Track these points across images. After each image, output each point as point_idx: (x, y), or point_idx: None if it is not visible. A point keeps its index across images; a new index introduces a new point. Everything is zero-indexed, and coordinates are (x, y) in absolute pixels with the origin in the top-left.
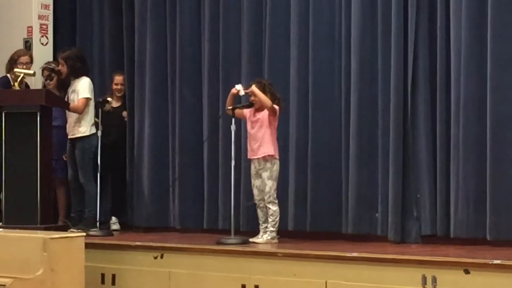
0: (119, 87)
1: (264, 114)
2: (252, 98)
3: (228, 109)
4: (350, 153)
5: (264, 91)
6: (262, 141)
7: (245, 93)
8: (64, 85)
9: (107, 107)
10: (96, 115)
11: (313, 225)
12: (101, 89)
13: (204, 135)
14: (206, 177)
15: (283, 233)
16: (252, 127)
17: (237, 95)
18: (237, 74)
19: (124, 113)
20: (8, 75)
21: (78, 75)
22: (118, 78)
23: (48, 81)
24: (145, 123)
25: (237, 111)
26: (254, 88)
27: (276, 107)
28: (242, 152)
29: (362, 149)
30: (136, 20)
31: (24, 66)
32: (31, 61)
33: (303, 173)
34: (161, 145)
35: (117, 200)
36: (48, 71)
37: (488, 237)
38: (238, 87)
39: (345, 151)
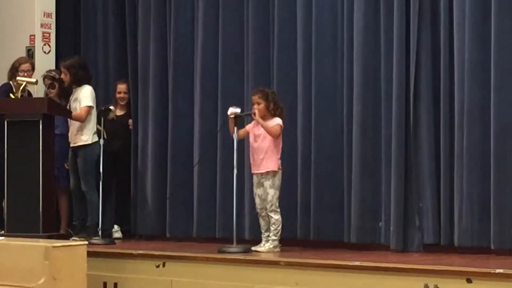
0: (122, 95)
1: (268, 124)
2: (255, 106)
3: (230, 117)
4: (353, 162)
5: (267, 100)
6: (266, 154)
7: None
8: (66, 93)
9: (111, 115)
10: (99, 123)
11: (316, 234)
12: (105, 98)
13: (202, 143)
14: (204, 186)
15: (290, 242)
16: (255, 141)
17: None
18: (237, 82)
19: (130, 122)
20: (11, 82)
21: (80, 84)
22: (121, 87)
23: (50, 89)
24: (148, 132)
25: (241, 132)
26: (258, 118)
27: (279, 121)
28: (244, 161)
29: (365, 158)
30: (139, 29)
31: (26, 74)
32: (33, 69)
33: (307, 182)
34: (163, 154)
35: (120, 208)
36: (49, 79)
37: (492, 246)
38: (230, 111)
39: (347, 160)
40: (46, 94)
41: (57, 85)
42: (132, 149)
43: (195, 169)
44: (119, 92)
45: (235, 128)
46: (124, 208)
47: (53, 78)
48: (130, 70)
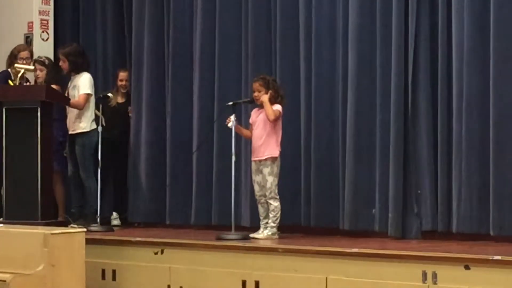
0: (124, 83)
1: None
2: (256, 94)
3: (228, 104)
4: (347, 149)
5: (268, 88)
6: (265, 141)
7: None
8: (56, 79)
9: (113, 102)
10: (98, 110)
11: (314, 221)
12: (104, 85)
13: (200, 133)
14: (204, 173)
15: (293, 229)
16: (254, 128)
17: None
18: (236, 73)
19: (130, 109)
20: (9, 69)
21: (79, 71)
22: (123, 74)
23: (47, 76)
24: (142, 120)
25: (245, 132)
26: (264, 98)
27: (279, 107)
28: (241, 147)
29: (360, 145)
30: (133, 15)
31: (24, 61)
32: (31, 56)
33: (307, 169)
34: (158, 142)
35: (118, 195)
36: (40, 64)
37: (491, 233)
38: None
39: (342, 147)
40: (35, 80)
41: (46, 71)
42: (130, 138)
43: (194, 157)
44: (121, 80)
45: (233, 116)
46: (123, 195)
47: (43, 63)
48: (128, 57)
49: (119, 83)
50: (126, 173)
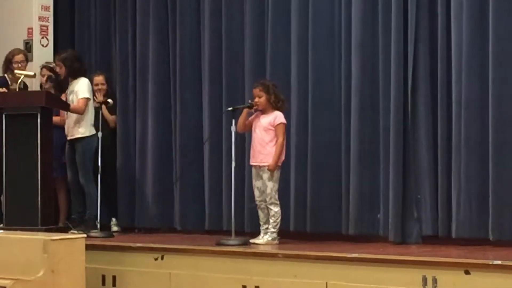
0: (99, 87)
1: (269, 118)
2: (256, 100)
3: (228, 110)
4: (351, 154)
5: (268, 93)
6: (265, 148)
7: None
8: (60, 87)
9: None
10: (97, 116)
11: (314, 226)
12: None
13: (205, 136)
14: (207, 178)
15: (284, 234)
16: (256, 132)
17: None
18: (240, 75)
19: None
20: (6, 75)
21: (76, 76)
22: (97, 79)
23: (48, 82)
24: (148, 124)
25: (246, 122)
26: (271, 167)
27: (282, 118)
28: (245, 153)
29: (363, 150)
30: (137, 21)
31: (19, 65)
32: (26, 60)
33: (304, 174)
34: (164, 146)
35: (113, 200)
36: (48, 70)
37: (490, 238)
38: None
39: (345, 152)
40: (40, 86)
41: (54, 78)
42: (118, 140)
43: (201, 162)
44: (97, 84)
45: (233, 121)
46: (113, 199)
47: (51, 70)
48: (127, 63)
49: (95, 87)
50: (114, 177)
